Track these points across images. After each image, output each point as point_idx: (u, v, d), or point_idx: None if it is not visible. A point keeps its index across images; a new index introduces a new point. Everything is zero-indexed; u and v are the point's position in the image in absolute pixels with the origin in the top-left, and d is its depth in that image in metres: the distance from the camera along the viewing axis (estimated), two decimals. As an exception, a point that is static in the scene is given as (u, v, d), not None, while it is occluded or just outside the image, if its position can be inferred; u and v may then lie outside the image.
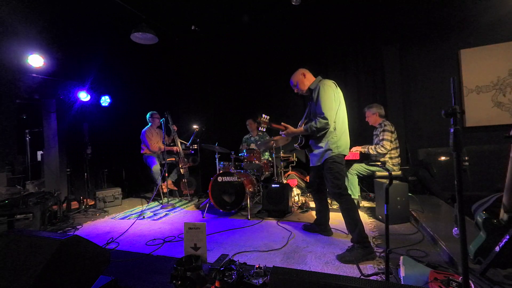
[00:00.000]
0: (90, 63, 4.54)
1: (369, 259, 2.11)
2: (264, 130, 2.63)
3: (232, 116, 5.48)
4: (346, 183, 3.53)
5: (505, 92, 3.81)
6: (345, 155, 2.42)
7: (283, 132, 2.56)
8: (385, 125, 3.46)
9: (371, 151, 3.51)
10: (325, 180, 2.42)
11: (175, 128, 4.59)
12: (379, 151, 3.42)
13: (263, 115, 2.61)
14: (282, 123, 2.58)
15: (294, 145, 2.71)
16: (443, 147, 3.96)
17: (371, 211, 3.47)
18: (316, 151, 2.44)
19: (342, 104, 2.46)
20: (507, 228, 1.62)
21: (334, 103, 2.34)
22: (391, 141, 3.40)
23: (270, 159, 4.25)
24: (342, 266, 2.04)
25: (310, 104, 2.52)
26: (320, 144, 2.39)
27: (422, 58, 4.27)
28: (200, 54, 5.38)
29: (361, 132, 4.49)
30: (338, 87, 2.46)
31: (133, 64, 5.34)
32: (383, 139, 3.40)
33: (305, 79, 2.53)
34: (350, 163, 3.65)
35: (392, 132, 3.43)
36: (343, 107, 2.46)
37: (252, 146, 4.68)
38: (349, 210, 2.28)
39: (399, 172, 3.44)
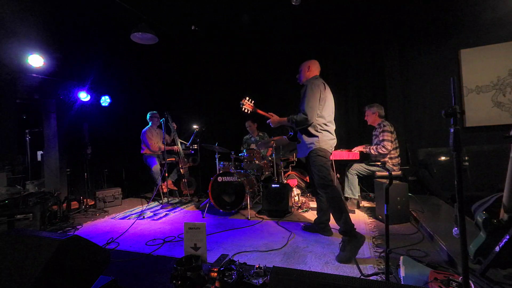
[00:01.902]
0: (90, 63, 4.54)
1: (361, 244, 2.15)
2: (248, 112, 2.71)
3: (232, 116, 5.48)
4: (346, 183, 3.56)
5: (505, 92, 3.80)
6: (327, 151, 2.51)
7: (269, 121, 2.72)
8: (384, 125, 3.45)
9: (372, 152, 3.50)
10: (311, 173, 2.55)
11: (175, 125, 4.59)
12: (380, 151, 3.41)
13: (247, 98, 2.69)
14: (269, 112, 2.71)
15: (283, 136, 2.78)
16: (443, 147, 3.96)
17: (371, 211, 3.47)
18: (301, 143, 2.59)
19: (329, 104, 2.56)
20: (507, 228, 1.62)
21: (318, 103, 2.45)
22: (391, 141, 3.39)
23: (270, 159, 4.25)
24: (342, 266, 2.04)
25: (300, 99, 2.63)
26: (304, 137, 2.54)
27: (422, 58, 4.26)
28: (200, 54, 5.38)
29: (361, 132, 4.49)
30: (327, 87, 2.58)
31: (133, 64, 5.34)
32: (383, 140, 3.39)
33: (307, 72, 2.65)
34: (350, 163, 3.65)
35: (391, 132, 3.43)
36: (330, 107, 2.56)
37: (253, 146, 4.68)
38: (335, 199, 2.37)
39: (399, 172, 3.44)
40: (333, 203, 2.37)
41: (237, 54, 5.28)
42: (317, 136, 2.47)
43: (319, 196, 2.71)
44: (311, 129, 2.48)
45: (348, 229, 2.22)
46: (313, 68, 2.65)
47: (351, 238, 2.17)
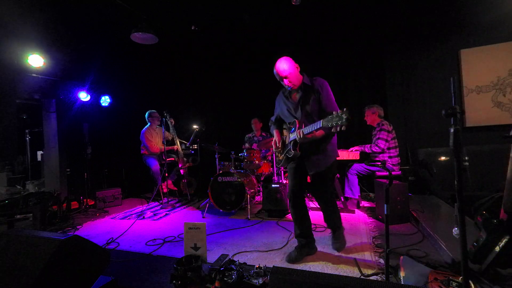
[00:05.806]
0: (90, 63, 4.54)
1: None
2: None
3: (232, 116, 5.48)
4: (346, 183, 3.57)
5: (505, 92, 3.81)
6: None
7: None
8: (382, 125, 3.47)
9: (366, 150, 3.53)
10: (323, 184, 2.20)
11: (173, 121, 4.55)
12: (373, 149, 3.45)
13: None
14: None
15: (290, 155, 2.21)
16: (443, 147, 3.96)
17: (371, 211, 3.47)
18: (323, 154, 2.15)
19: None
20: (507, 228, 1.62)
21: None
22: (385, 140, 3.40)
23: (270, 158, 4.24)
24: (342, 266, 2.04)
25: (307, 101, 2.16)
26: (328, 146, 2.16)
27: (422, 58, 4.26)
28: (200, 54, 5.38)
29: (361, 133, 4.49)
30: None
31: (133, 64, 5.34)
32: (378, 138, 3.42)
33: (298, 72, 2.22)
34: (350, 163, 3.65)
35: (388, 132, 3.43)
36: None
37: (255, 146, 4.68)
38: (338, 210, 2.38)
39: (399, 172, 3.44)
40: (338, 213, 2.36)
41: (237, 54, 5.28)
42: (335, 145, 2.21)
43: (301, 206, 2.29)
44: (332, 137, 2.13)
45: (340, 227, 2.37)
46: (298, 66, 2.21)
47: (339, 229, 2.36)
